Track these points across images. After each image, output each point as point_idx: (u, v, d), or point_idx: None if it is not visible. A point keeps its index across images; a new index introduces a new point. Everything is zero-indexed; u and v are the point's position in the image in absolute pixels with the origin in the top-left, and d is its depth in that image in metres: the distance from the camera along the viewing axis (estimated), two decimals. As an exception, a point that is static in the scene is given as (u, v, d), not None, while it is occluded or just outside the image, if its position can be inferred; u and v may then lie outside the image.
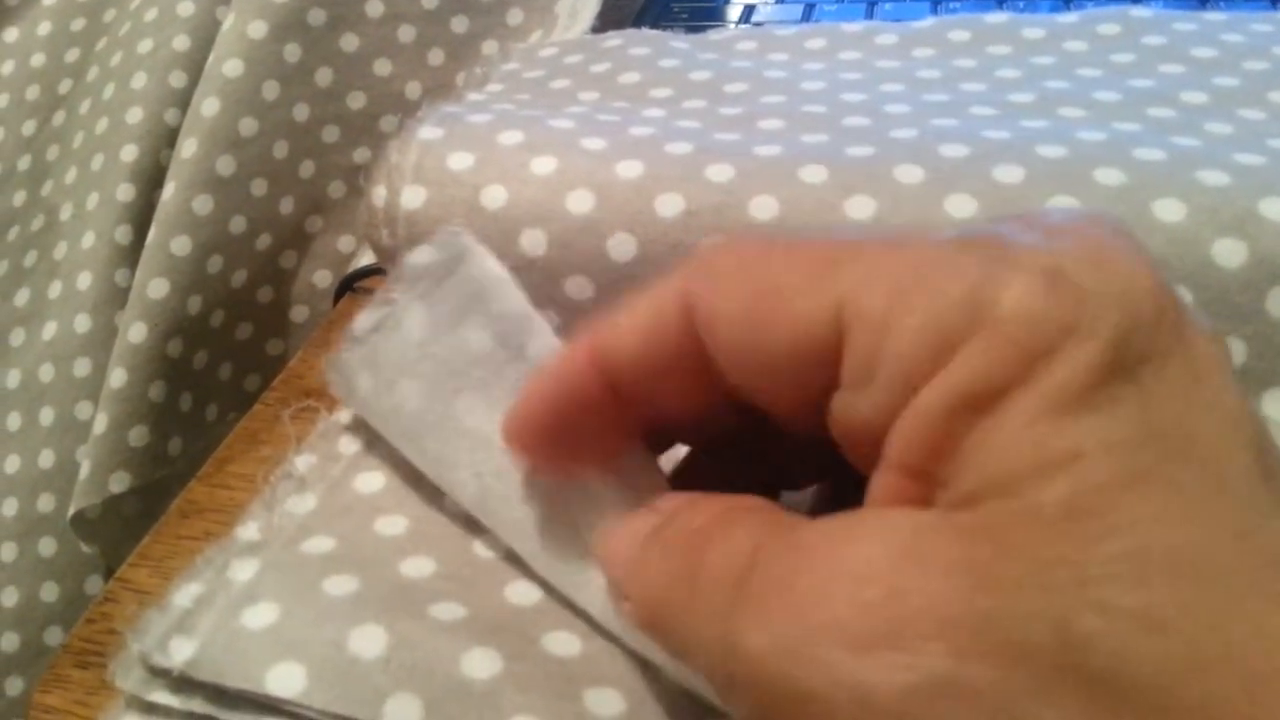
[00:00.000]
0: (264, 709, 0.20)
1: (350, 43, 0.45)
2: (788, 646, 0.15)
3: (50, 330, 0.45)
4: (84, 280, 0.44)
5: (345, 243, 0.46)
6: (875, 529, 0.15)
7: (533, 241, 0.29)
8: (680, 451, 0.23)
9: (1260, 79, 0.33)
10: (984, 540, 0.14)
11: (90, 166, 0.46)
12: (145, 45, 0.46)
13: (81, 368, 0.44)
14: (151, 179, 0.44)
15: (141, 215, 0.44)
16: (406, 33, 0.46)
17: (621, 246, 0.28)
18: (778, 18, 0.48)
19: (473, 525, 0.23)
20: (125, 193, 0.44)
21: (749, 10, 0.49)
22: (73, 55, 0.50)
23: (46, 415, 0.44)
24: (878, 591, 0.14)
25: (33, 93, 0.50)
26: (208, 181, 0.42)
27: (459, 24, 0.46)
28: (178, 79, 0.45)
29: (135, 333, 0.41)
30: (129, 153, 0.44)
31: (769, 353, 0.17)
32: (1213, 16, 0.38)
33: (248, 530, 0.24)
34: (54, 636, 0.44)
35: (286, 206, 0.44)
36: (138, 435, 0.41)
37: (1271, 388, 0.25)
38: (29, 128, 0.50)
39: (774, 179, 0.28)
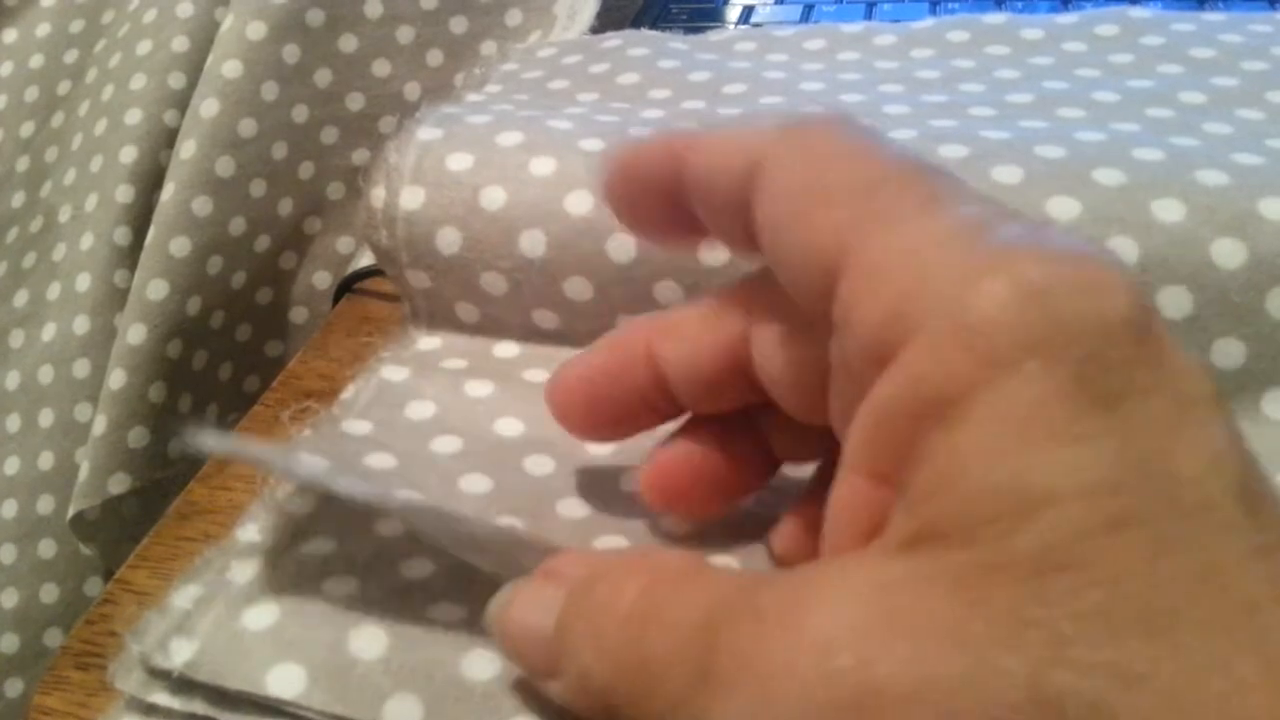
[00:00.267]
0: (264, 710, 0.20)
1: (349, 43, 0.45)
2: None
3: (49, 332, 0.45)
4: (83, 282, 0.44)
5: (344, 244, 0.46)
6: (839, 591, 0.15)
7: (532, 242, 0.29)
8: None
9: (1259, 79, 0.33)
10: (953, 597, 0.14)
11: (89, 168, 0.46)
12: (144, 46, 0.46)
13: (81, 369, 0.44)
14: (151, 180, 0.44)
15: (141, 216, 0.44)
16: (405, 33, 0.46)
17: (621, 247, 0.28)
18: (777, 18, 0.48)
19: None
20: (124, 194, 0.44)
21: (748, 11, 0.49)
22: (71, 57, 0.50)
23: (46, 417, 0.44)
24: (846, 660, 0.14)
25: (31, 94, 0.50)
26: (207, 183, 0.42)
27: (458, 25, 0.46)
28: (177, 80, 0.45)
29: (134, 334, 0.41)
30: (128, 154, 0.44)
31: (791, 251, 0.17)
32: (1211, 17, 0.38)
33: (247, 532, 0.24)
34: (54, 638, 0.44)
35: (286, 208, 0.44)
36: (137, 437, 0.41)
37: (1271, 388, 0.25)
38: (28, 129, 0.50)
39: (773, 179, 0.28)
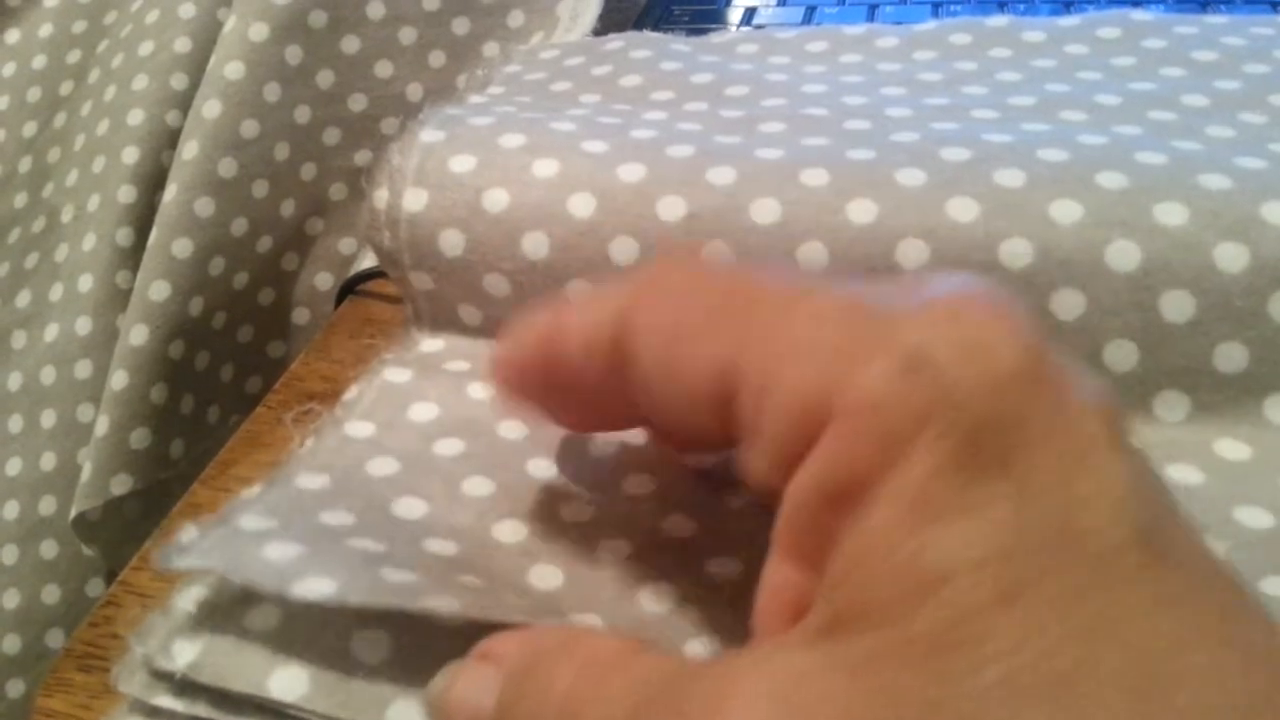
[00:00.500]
0: (267, 713, 0.20)
1: (351, 44, 0.45)
2: None
3: (52, 332, 0.45)
4: (85, 282, 0.44)
5: (346, 245, 0.46)
6: (755, 685, 0.14)
7: (534, 244, 0.29)
8: None
9: (1261, 82, 0.33)
10: (861, 684, 0.13)
11: (91, 168, 0.46)
12: (146, 47, 0.46)
13: (83, 370, 0.44)
14: (153, 181, 0.44)
15: (143, 217, 0.44)
16: (407, 34, 0.46)
17: (624, 249, 0.28)
18: (779, 20, 0.48)
19: (478, 528, 0.24)
20: (126, 194, 0.44)
21: (750, 13, 0.49)
22: (74, 57, 0.50)
23: (48, 418, 0.44)
24: None
25: (34, 94, 0.50)
26: (209, 183, 0.42)
27: (460, 26, 0.46)
28: (179, 81, 0.45)
29: (137, 335, 0.41)
30: (130, 154, 0.44)
31: (676, 396, 0.17)
32: (1213, 20, 0.38)
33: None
34: (55, 639, 0.44)
35: (288, 209, 0.44)
36: (139, 437, 0.41)
37: (1274, 392, 0.25)
38: (30, 129, 0.50)
39: (775, 182, 0.28)
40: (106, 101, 0.47)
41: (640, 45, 0.39)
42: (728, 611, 0.21)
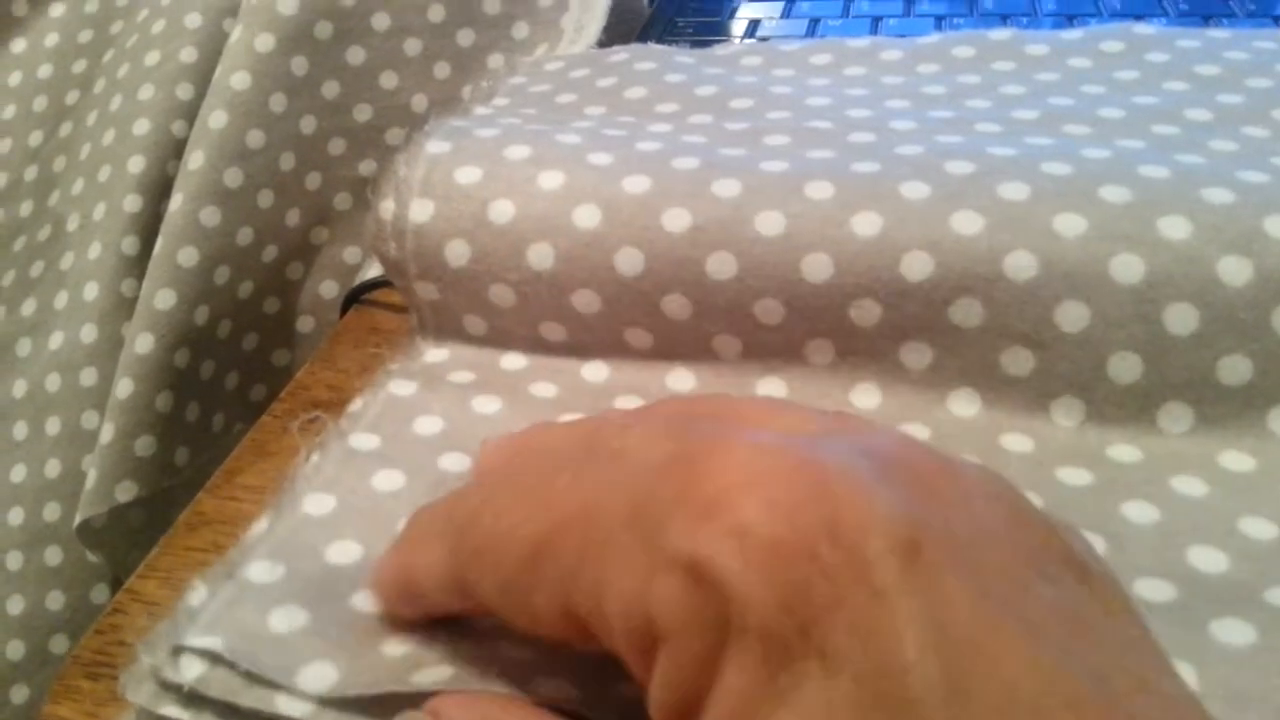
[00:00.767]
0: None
1: (356, 55, 0.45)
2: None
3: (57, 340, 0.45)
4: (91, 291, 0.45)
5: (351, 254, 0.46)
6: None
7: (540, 255, 0.29)
8: None
9: (1264, 96, 0.33)
10: None
11: (97, 177, 0.46)
12: (152, 57, 0.46)
13: (88, 378, 0.44)
14: (158, 190, 0.45)
15: (148, 226, 0.44)
16: (412, 46, 0.46)
17: (629, 261, 0.28)
18: (783, 33, 0.48)
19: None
20: (132, 204, 0.44)
21: (754, 25, 0.49)
22: (80, 67, 0.50)
23: (53, 425, 0.44)
24: None
25: (40, 104, 0.50)
26: (215, 193, 0.42)
27: (465, 37, 0.46)
28: (185, 91, 0.45)
29: (142, 343, 0.41)
30: (136, 164, 0.45)
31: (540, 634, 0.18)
32: (1216, 34, 0.38)
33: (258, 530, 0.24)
34: (59, 645, 0.44)
35: (293, 218, 0.45)
36: (144, 445, 0.41)
37: (1277, 405, 0.25)
38: (36, 138, 0.50)
39: (780, 195, 0.28)
40: (112, 111, 0.47)
41: (645, 57, 0.40)
42: None
